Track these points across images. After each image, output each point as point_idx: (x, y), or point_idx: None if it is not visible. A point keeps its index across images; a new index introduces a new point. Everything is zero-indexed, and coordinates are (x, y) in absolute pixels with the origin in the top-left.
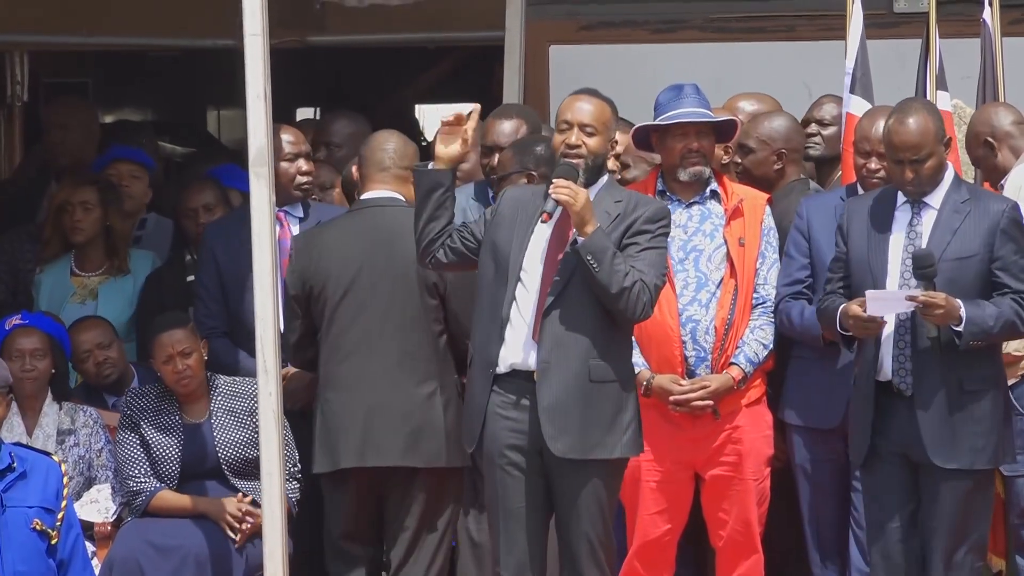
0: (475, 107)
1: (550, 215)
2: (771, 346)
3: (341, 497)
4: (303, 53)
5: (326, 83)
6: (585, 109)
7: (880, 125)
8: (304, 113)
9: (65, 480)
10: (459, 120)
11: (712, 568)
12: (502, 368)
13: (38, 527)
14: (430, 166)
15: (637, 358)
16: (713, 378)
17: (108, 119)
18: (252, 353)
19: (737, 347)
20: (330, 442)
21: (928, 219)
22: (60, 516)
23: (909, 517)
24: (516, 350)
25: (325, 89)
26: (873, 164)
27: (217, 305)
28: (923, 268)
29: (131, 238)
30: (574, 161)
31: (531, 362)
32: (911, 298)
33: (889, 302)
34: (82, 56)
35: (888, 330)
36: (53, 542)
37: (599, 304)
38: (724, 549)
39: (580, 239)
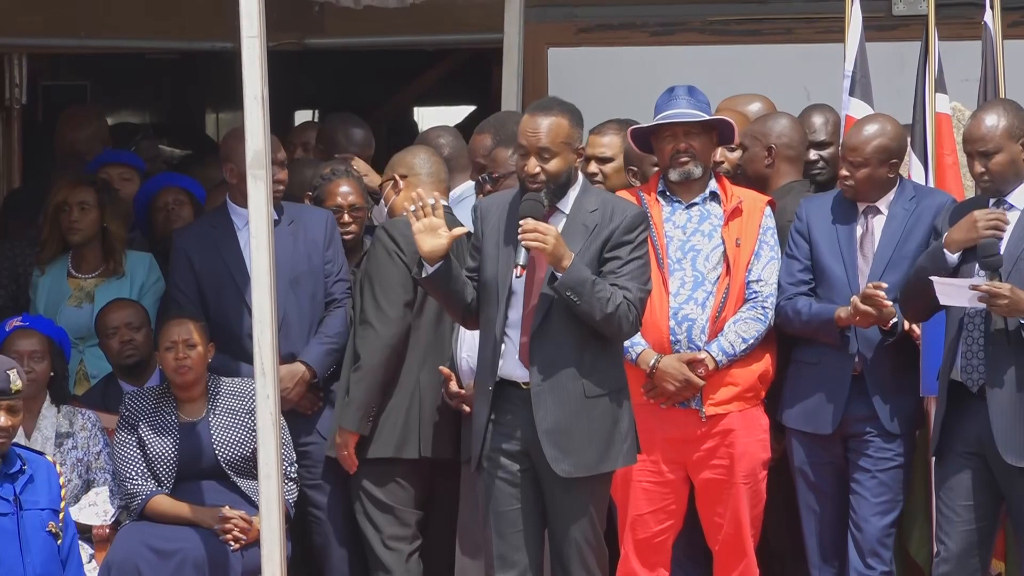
0: (437, 197)
1: (524, 267)
2: (752, 341)
3: (403, 485)
4: (301, 55)
5: (324, 86)
6: (539, 132)
7: (870, 129)
8: (303, 116)
9: (61, 480)
10: (425, 210)
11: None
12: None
13: (53, 529)
14: (427, 271)
15: (637, 337)
16: None
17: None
18: (236, 356)
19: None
20: (419, 429)
21: (1012, 219)
22: (61, 516)
23: (973, 516)
24: (507, 362)
25: (324, 92)
26: (859, 176)
27: (194, 308)
28: (986, 257)
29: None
30: (535, 189)
31: (520, 373)
32: (974, 287)
33: (956, 289)
34: (81, 59)
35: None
36: (59, 542)
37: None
38: (720, 553)
39: (558, 274)
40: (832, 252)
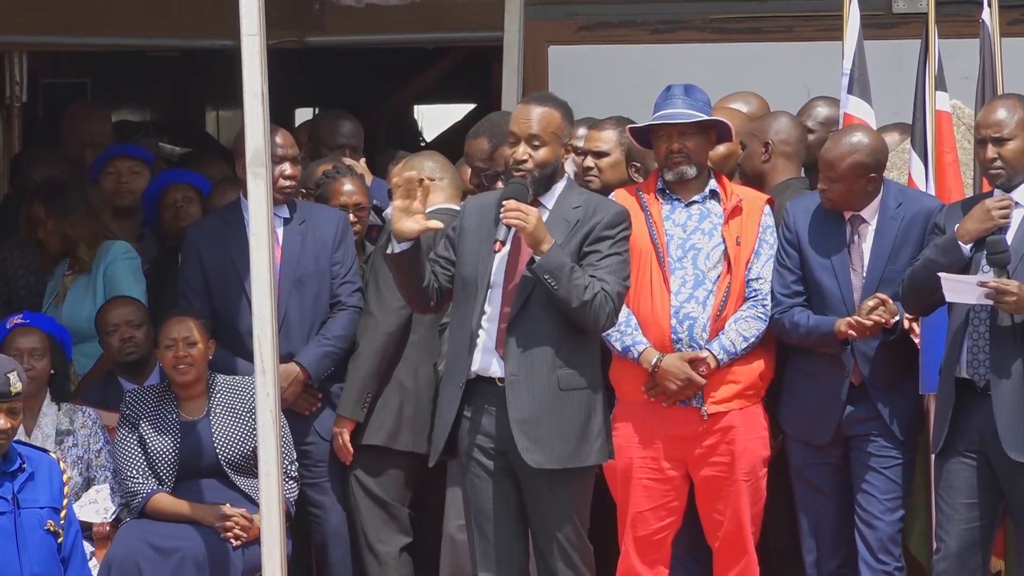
0: (426, 181)
1: (503, 243)
2: (753, 340)
3: (396, 479)
4: (302, 54)
5: (325, 83)
6: (531, 120)
7: (845, 145)
8: (303, 114)
9: (65, 478)
10: (411, 188)
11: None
12: (470, 376)
13: (51, 528)
14: (394, 248)
15: (639, 336)
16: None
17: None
18: (238, 353)
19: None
20: (412, 425)
21: (1016, 216)
22: (63, 514)
23: (974, 514)
24: (483, 358)
25: (324, 90)
26: (835, 191)
27: (201, 303)
28: (995, 254)
29: (134, 234)
30: (521, 177)
31: (495, 369)
32: (983, 284)
33: (963, 285)
34: (81, 56)
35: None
36: (59, 541)
37: (562, 314)
38: (720, 550)
39: (537, 258)
40: (824, 268)
